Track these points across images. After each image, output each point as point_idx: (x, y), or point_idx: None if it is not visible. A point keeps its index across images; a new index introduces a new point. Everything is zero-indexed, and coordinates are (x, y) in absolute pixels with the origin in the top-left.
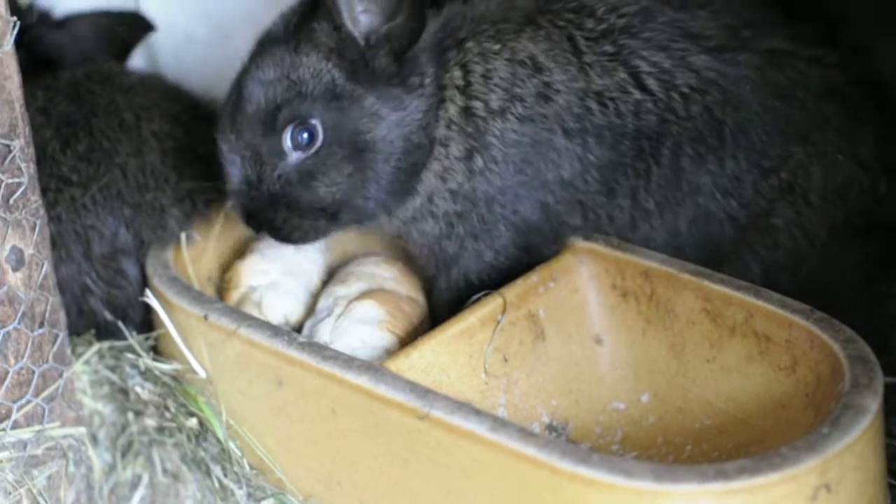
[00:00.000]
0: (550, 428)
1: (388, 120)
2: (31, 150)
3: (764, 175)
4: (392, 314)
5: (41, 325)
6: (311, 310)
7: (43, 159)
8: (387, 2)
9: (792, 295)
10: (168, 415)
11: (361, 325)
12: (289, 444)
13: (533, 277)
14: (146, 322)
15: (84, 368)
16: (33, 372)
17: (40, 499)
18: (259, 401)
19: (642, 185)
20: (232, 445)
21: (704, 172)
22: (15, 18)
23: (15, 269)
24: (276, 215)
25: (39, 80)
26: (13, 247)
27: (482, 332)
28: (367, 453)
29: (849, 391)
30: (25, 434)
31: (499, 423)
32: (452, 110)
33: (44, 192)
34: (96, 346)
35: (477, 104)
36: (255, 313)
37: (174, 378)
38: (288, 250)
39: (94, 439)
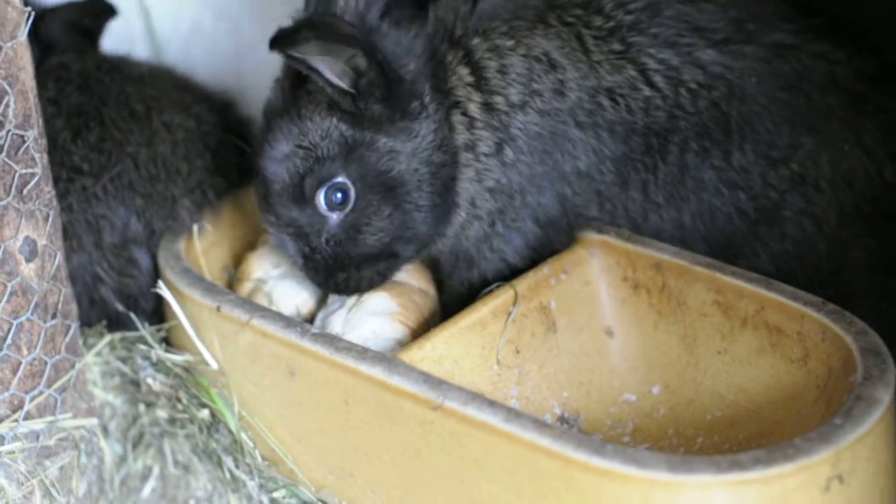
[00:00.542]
0: (562, 419)
1: (405, 152)
2: (44, 141)
3: (773, 165)
4: (404, 306)
5: (54, 315)
6: (322, 301)
7: (54, 149)
8: (352, 63)
9: (802, 284)
10: (180, 406)
11: (373, 317)
12: (301, 436)
13: (544, 269)
14: (157, 312)
15: (95, 360)
16: (46, 363)
17: (52, 489)
18: (271, 392)
19: (651, 180)
20: (244, 437)
21: (708, 167)
22: (29, 9)
23: (28, 260)
24: (338, 276)
25: (50, 71)
26: (26, 237)
27: (494, 324)
28: (379, 444)
29: (861, 383)
30: (38, 425)
31: (513, 413)
32: (473, 108)
33: (55, 181)
34: (108, 338)
35: (498, 98)
36: (266, 305)
37: (186, 369)
38: None
39: (105, 431)
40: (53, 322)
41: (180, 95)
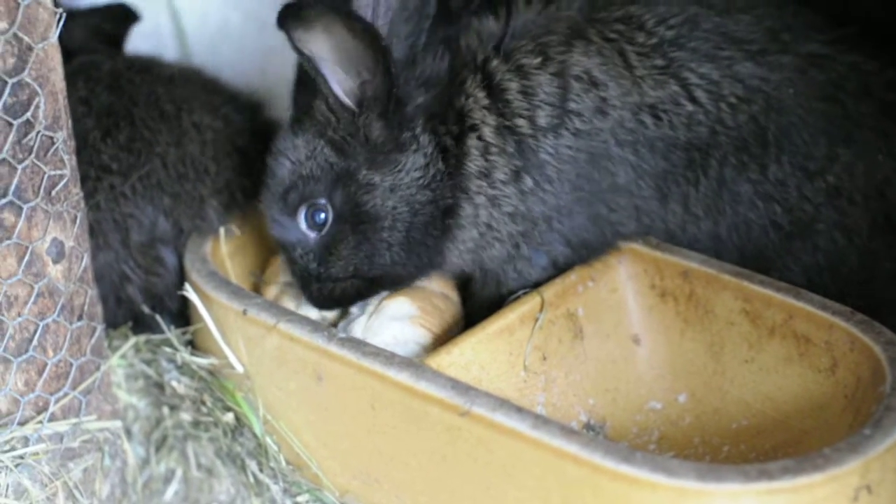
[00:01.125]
0: (588, 427)
1: (383, 187)
2: (72, 143)
3: (809, 178)
4: (423, 309)
5: (80, 317)
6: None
7: (84, 149)
8: (360, 57)
9: (832, 295)
10: (204, 409)
11: (393, 322)
12: (326, 440)
13: (572, 276)
14: (182, 312)
15: (120, 362)
16: (71, 364)
17: (76, 491)
18: (297, 396)
19: (692, 193)
20: (268, 440)
21: (745, 181)
22: (61, 10)
23: (55, 262)
24: (312, 287)
25: (80, 70)
26: (54, 239)
27: (521, 330)
28: (406, 449)
29: (890, 393)
30: (62, 427)
31: (540, 420)
32: (487, 132)
33: (83, 180)
34: (133, 340)
35: (520, 122)
36: (292, 309)
37: (211, 372)
38: None
39: (129, 433)
40: (79, 324)
41: (209, 97)
